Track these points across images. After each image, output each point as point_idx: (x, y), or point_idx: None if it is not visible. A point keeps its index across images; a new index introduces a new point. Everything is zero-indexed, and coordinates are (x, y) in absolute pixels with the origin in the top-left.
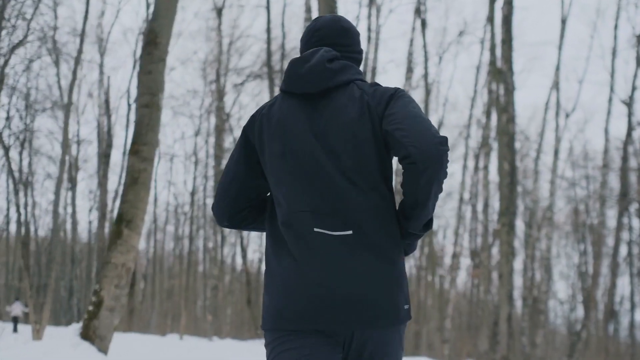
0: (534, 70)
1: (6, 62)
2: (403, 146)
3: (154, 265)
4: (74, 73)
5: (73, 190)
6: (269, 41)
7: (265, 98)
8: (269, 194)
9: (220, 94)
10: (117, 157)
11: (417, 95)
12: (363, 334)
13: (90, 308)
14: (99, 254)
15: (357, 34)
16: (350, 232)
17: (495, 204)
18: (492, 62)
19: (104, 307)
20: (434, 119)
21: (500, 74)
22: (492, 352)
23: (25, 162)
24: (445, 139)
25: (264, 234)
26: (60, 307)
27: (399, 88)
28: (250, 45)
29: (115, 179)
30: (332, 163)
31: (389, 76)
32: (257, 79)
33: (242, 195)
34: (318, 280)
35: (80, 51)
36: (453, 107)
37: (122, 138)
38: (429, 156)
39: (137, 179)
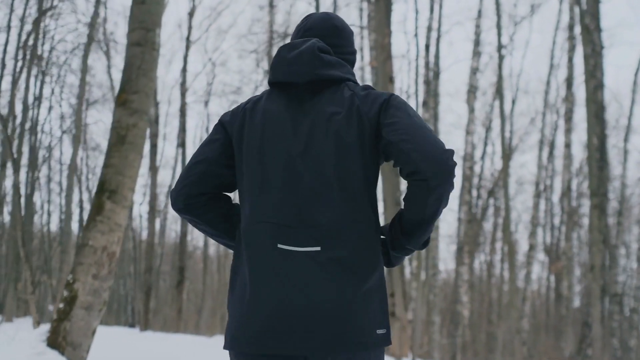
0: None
1: (31, 33)
2: (412, 161)
3: (204, 261)
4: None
5: None
6: None
7: None
8: (230, 194)
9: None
10: (170, 151)
11: (486, 78)
12: None
13: (61, 306)
14: (148, 251)
15: (351, 33)
16: (318, 248)
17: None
18: (581, 17)
19: (78, 304)
20: (507, 103)
21: (587, 32)
22: (581, 357)
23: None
24: (453, 152)
25: None
26: (120, 308)
27: (393, 94)
28: None
29: (167, 173)
30: (311, 168)
31: (455, 49)
32: None
33: (205, 178)
34: (275, 301)
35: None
36: (524, 93)
37: (175, 128)
38: (441, 173)
39: (124, 137)
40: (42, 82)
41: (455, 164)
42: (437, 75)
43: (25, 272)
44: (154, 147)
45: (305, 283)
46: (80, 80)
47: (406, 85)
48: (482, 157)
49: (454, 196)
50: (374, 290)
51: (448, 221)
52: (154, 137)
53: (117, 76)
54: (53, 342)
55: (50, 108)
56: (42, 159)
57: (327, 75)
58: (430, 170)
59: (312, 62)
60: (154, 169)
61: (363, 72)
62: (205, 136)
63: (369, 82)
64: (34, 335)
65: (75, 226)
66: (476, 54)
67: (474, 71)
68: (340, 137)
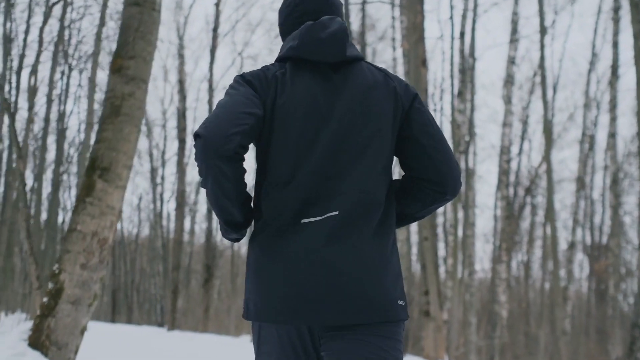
0: None
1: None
2: (439, 172)
3: (232, 260)
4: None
5: (154, 182)
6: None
7: None
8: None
9: None
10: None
11: (522, 73)
12: (350, 328)
13: (45, 300)
14: (175, 249)
15: (340, 5)
16: (336, 212)
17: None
18: None
19: (64, 298)
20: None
21: (637, 9)
22: None
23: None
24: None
25: None
26: (151, 307)
27: (414, 88)
28: None
29: (195, 169)
30: (343, 142)
31: (491, 35)
32: None
33: (253, 133)
34: (304, 274)
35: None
36: (562, 87)
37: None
38: (457, 192)
39: (118, 107)
40: (69, 77)
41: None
42: (472, 60)
43: (30, 265)
44: (182, 142)
45: (337, 251)
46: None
47: (440, 77)
48: (519, 154)
49: (490, 194)
50: (398, 265)
51: (484, 219)
52: (182, 131)
53: None
54: (35, 341)
55: (76, 100)
56: (67, 156)
57: (352, 55)
58: (452, 188)
59: (344, 43)
60: (181, 165)
61: (395, 53)
62: None
63: (400, 67)
64: (15, 333)
65: None
66: (513, 41)
67: (511, 60)
68: (378, 113)
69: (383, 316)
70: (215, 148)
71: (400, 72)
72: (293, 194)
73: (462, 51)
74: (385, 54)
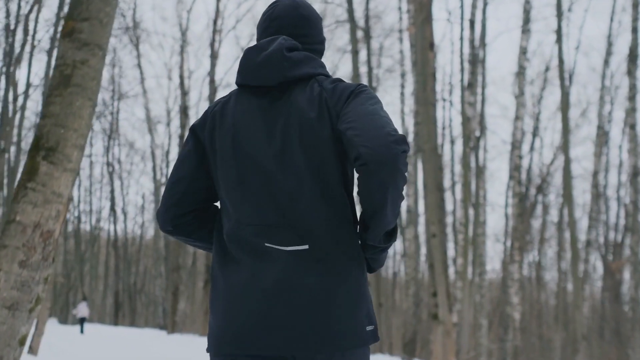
0: None
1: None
2: (354, 146)
3: None
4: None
5: (156, 182)
6: None
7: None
8: (217, 203)
9: None
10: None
11: (533, 68)
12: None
13: None
14: (175, 249)
15: (319, 21)
16: (306, 246)
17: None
18: None
19: None
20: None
21: None
22: None
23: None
24: (402, 137)
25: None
26: (155, 309)
27: (361, 84)
28: None
29: None
30: (287, 169)
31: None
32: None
33: (188, 196)
34: (262, 300)
35: None
36: (574, 82)
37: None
38: (380, 156)
39: (69, 77)
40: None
41: (402, 149)
42: (483, 49)
43: None
44: (182, 139)
45: (292, 282)
46: None
47: (449, 70)
48: (531, 151)
49: (500, 192)
50: (359, 288)
51: (494, 218)
52: (183, 127)
53: (148, 68)
54: None
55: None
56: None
57: (296, 75)
58: (370, 154)
59: (280, 64)
60: None
61: (402, 35)
62: None
63: (407, 46)
64: None
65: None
66: (525, 32)
67: (523, 51)
68: (314, 134)
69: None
70: (162, 228)
71: (407, 66)
72: (248, 217)
73: (472, 41)
74: (392, 49)
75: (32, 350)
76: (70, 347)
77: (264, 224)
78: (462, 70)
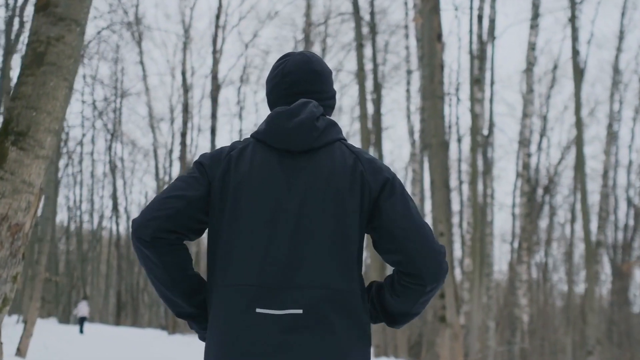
0: None
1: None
2: (414, 264)
3: None
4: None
5: (159, 181)
6: None
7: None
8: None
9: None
10: (203, 142)
11: (540, 67)
12: None
13: None
14: None
15: (330, 75)
16: (300, 311)
17: None
18: None
19: None
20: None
21: None
22: None
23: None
24: (444, 252)
25: None
26: (158, 309)
27: (390, 170)
28: None
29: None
30: (306, 229)
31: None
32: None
33: (180, 216)
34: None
35: None
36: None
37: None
38: (439, 280)
39: (42, 55)
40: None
41: (447, 266)
42: (492, 41)
43: None
44: (183, 136)
45: (283, 348)
46: None
47: (456, 65)
48: (538, 151)
49: (507, 192)
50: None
51: (500, 218)
52: (185, 125)
53: (150, 66)
54: None
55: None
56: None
57: (322, 143)
58: (431, 279)
59: (310, 134)
60: (184, 160)
61: (408, 31)
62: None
63: (413, 43)
64: None
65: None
66: (534, 27)
67: (532, 47)
68: (342, 200)
69: None
70: (136, 233)
71: (414, 64)
72: (247, 277)
73: (479, 35)
74: (398, 46)
75: (21, 353)
76: (66, 348)
77: (262, 285)
78: (471, 60)
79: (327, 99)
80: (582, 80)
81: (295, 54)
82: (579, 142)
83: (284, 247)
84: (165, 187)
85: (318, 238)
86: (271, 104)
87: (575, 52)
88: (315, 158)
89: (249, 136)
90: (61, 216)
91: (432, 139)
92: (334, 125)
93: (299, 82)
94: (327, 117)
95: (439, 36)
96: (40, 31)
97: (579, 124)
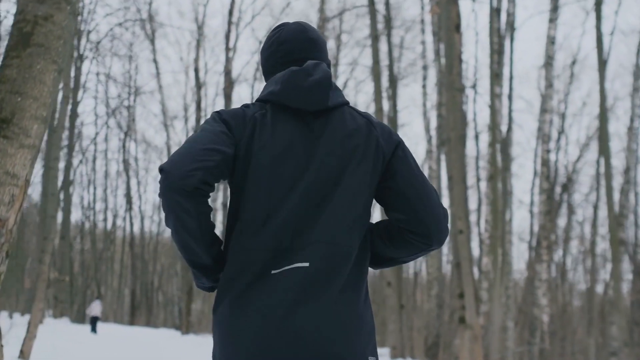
0: None
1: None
2: (424, 224)
3: None
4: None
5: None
6: None
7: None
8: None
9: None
10: None
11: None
12: None
13: None
14: None
15: (324, 44)
16: (306, 264)
17: None
18: None
19: None
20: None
21: None
22: None
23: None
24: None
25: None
26: (173, 309)
27: (397, 134)
28: None
29: None
30: (321, 194)
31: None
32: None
33: (220, 170)
34: (268, 330)
35: None
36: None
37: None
38: (442, 241)
39: (28, 35)
40: (79, 68)
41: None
42: (511, 33)
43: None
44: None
45: (300, 312)
46: None
47: (472, 62)
48: (557, 149)
49: (525, 190)
50: (370, 318)
51: (517, 217)
52: (198, 122)
53: (164, 64)
54: None
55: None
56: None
57: (337, 103)
58: (438, 239)
59: (327, 91)
60: None
61: (424, 26)
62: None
63: (429, 39)
64: None
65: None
66: (553, 20)
67: (551, 40)
68: (356, 162)
69: None
70: (176, 183)
71: (429, 59)
72: (264, 241)
73: (498, 29)
74: (413, 42)
75: (24, 355)
76: (76, 348)
77: (278, 248)
78: (491, 53)
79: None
80: (606, 68)
81: (290, 23)
82: (603, 133)
83: (300, 211)
84: (194, 133)
85: (331, 200)
86: (267, 73)
87: (600, 40)
88: (330, 121)
89: (255, 101)
90: (76, 215)
91: (451, 132)
92: (339, 89)
93: (295, 50)
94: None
95: (457, 27)
96: (26, 10)
97: (603, 116)
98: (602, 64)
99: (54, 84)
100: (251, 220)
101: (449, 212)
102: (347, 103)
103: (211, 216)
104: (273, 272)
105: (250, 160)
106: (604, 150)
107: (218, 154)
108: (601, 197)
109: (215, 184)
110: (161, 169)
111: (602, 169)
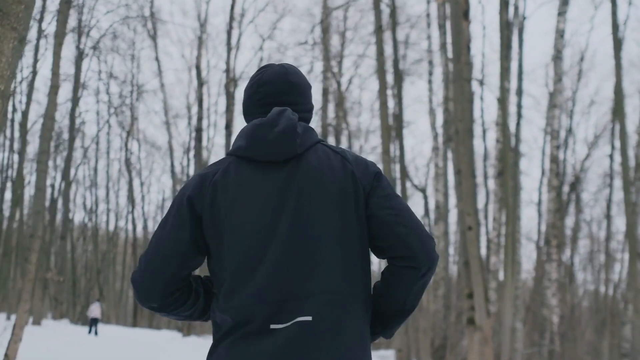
0: None
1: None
2: (406, 246)
3: None
4: None
5: (175, 179)
6: None
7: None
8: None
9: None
10: (218, 139)
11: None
12: None
13: None
14: None
15: (308, 87)
16: (309, 318)
17: None
18: None
19: None
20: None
21: None
22: None
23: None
24: (435, 242)
25: None
26: None
27: (375, 164)
28: None
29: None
30: (302, 240)
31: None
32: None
33: (180, 273)
34: None
35: None
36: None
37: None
38: (432, 263)
39: None
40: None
41: (438, 256)
42: (521, 22)
43: None
44: (198, 132)
45: (298, 356)
46: None
47: (479, 59)
48: (565, 145)
49: (533, 188)
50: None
51: (525, 216)
52: (199, 120)
53: (167, 64)
54: None
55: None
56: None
57: (306, 147)
58: (426, 260)
59: (294, 141)
60: (199, 156)
61: (429, 19)
62: None
63: (435, 34)
64: None
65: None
66: (562, 14)
67: (561, 34)
68: (337, 201)
69: None
70: (143, 302)
71: (435, 54)
72: (256, 299)
73: (506, 21)
74: (419, 38)
75: (8, 358)
76: (72, 351)
77: (273, 300)
78: (502, 44)
79: (304, 112)
80: (621, 50)
81: (274, 65)
82: (620, 119)
83: (288, 260)
84: (156, 230)
85: (319, 245)
86: (246, 113)
87: (616, 26)
88: (302, 163)
89: (224, 156)
90: (79, 216)
91: (459, 124)
92: (311, 129)
93: (275, 93)
94: (303, 123)
95: (466, 13)
96: None
97: (619, 105)
98: (618, 48)
99: (13, 54)
100: (238, 278)
101: (455, 210)
102: (319, 142)
103: (193, 291)
104: (272, 326)
105: (220, 222)
106: (621, 136)
107: (173, 259)
108: (614, 191)
109: (189, 275)
110: (132, 280)
111: (615, 165)
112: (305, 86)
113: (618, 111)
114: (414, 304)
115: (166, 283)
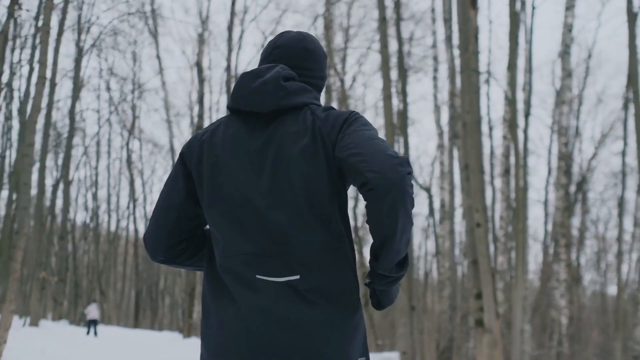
0: None
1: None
2: (360, 172)
3: None
4: None
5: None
6: None
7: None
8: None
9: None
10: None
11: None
12: None
13: None
14: None
15: (323, 57)
16: (297, 276)
17: None
18: None
19: None
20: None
21: None
22: None
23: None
24: (405, 159)
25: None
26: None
27: (353, 111)
28: None
29: None
30: (279, 199)
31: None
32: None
33: (180, 225)
34: (259, 334)
35: None
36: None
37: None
38: (388, 179)
39: None
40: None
41: (407, 170)
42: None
43: None
44: (199, 129)
45: (288, 315)
46: None
47: (486, 56)
48: (572, 142)
49: (539, 187)
50: (352, 320)
51: (531, 215)
52: (200, 118)
53: (169, 62)
54: None
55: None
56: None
57: (290, 104)
58: (378, 178)
59: (276, 92)
60: None
61: (434, 14)
62: None
63: (440, 30)
64: None
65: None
66: (570, 8)
67: (569, 28)
68: (307, 162)
69: None
70: (152, 257)
71: (440, 50)
72: (241, 249)
73: (515, 13)
74: (424, 35)
75: None
76: (68, 353)
77: (253, 254)
78: (511, 35)
79: (316, 78)
80: (635, 23)
81: (292, 31)
82: (637, 100)
83: (268, 219)
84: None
85: (293, 205)
86: None
87: (631, 15)
88: (283, 126)
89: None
90: (81, 216)
91: (467, 116)
92: (307, 90)
93: (288, 56)
94: (301, 83)
95: (474, 2)
96: None
97: (636, 95)
98: (632, 18)
99: None
100: (223, 231)
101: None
102: (309, 104)
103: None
104: (258, 276)
105: (203, 180)
106: (638, 122)
107: (172, 211)
108: (628, 186)
109: (195, 228)
110: (143, 238)
111: (628, 159)
112: (320, 54)
113: (634, 98)
114: (393, 229)
115: (168, 234)
